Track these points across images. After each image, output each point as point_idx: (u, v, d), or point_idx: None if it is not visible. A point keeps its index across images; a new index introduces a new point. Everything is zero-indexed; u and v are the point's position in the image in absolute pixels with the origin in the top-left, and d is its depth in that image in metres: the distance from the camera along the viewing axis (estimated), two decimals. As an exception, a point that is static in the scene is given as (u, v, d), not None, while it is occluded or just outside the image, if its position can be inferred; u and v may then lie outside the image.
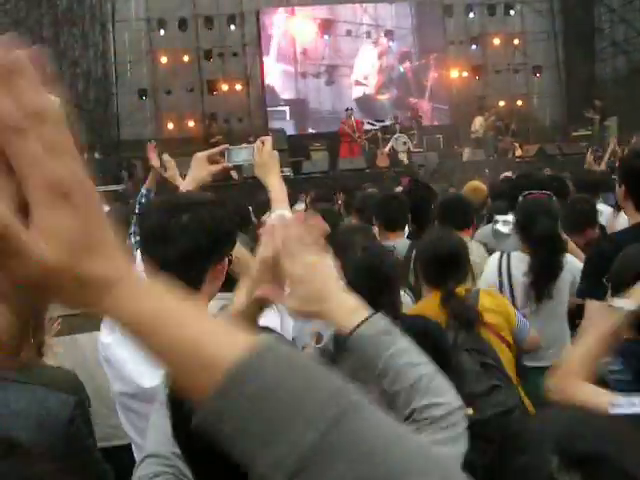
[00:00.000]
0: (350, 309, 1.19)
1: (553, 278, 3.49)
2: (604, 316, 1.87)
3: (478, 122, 16.36)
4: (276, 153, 2.36)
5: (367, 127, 16.74)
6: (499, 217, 4.48)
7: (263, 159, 2.31)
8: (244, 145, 2.49)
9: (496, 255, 3.69)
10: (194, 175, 2.35)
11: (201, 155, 2.38)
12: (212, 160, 2.38)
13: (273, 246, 1.13)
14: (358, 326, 1.17)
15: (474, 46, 19.89)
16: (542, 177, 6.72)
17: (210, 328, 0.63)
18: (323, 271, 1.15)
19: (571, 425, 0.92)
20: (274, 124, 18.58)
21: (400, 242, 4.05)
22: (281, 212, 2.19)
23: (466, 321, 2.64)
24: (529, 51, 20.04)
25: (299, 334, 2.45)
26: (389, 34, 19.68)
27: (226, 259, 1.70)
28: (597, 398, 1.63)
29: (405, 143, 15.80)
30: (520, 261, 3.54)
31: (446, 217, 4.11)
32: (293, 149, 16.40)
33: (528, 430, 0.96)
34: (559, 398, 1.73)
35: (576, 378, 1.74)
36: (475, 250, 3.79)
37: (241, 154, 2.39)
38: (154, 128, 19.60)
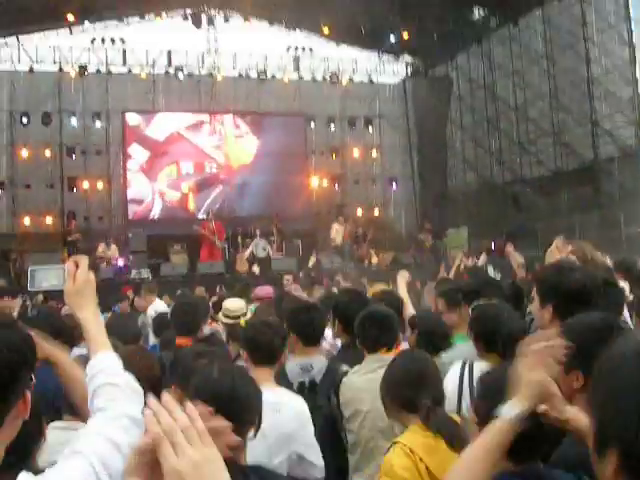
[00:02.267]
0: None
1: None
2: (490, 428, 1.75)
3: (334, 229, 16.88)
4: (92, 277, 1.92)
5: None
6: None
7: (76, 286, 1.86)
8: (53, 266, 2.04)
9: (458, 364, 3.31)
10: None
11: None
12: None
13: (153, 435, 1.00)
14: None
15: (334, 156, 20.79)
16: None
17: None
18: (209, 471, 1.02)
19: None
20: (135, 225, 18.41)
21: (318, 360, 3.60)
22: (103, 356, 1.79)
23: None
24: (386, 163, 21.17)
25: None
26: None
27: (28, 393, 1.39)
28: None
29: (265, 249, 15.98)
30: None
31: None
32: (152, 250, 16.29)
33: None
34: None
35: None
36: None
37: (49, 277, 2.03)
38: (9, 222, 18.97)
